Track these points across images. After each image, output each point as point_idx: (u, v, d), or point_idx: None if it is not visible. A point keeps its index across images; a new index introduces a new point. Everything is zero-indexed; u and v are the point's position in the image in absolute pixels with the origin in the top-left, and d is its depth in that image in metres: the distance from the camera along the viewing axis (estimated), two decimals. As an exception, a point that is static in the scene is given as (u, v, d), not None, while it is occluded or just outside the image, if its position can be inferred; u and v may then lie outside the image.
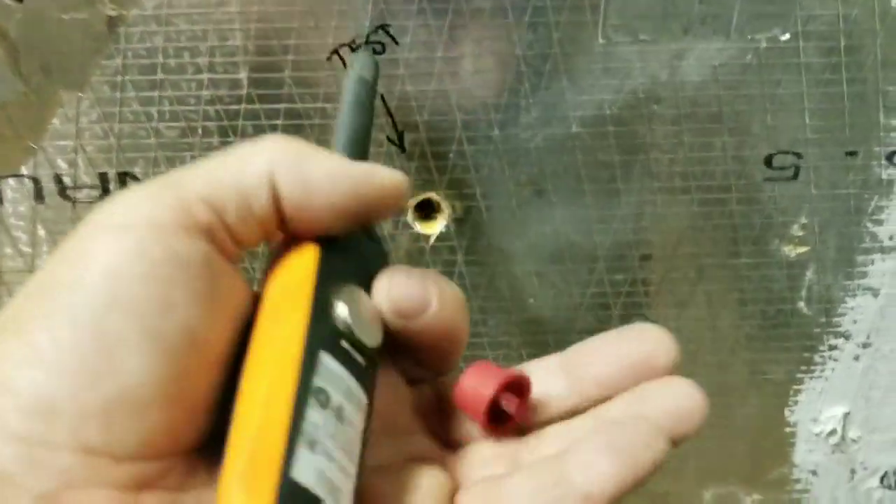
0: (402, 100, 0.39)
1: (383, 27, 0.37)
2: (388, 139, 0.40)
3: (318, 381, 0.21)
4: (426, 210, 0.42)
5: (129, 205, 0.21)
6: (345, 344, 0.23)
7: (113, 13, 0.37)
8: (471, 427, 0.28)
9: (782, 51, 0.39)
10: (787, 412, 0.48)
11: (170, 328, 0.20)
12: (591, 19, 0.37)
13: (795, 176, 0.41)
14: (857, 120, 0.40)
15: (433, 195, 0.41)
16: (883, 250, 0.43)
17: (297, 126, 0.39)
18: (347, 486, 0.21)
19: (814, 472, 0.50)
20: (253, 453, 0.19)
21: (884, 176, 0.42)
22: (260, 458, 0.19)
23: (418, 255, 0.42)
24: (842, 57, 0.39)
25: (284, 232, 0.24)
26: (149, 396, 0.19)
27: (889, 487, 0.50)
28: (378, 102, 0.39)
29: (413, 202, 0.41)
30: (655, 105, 0.39)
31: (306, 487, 0.19)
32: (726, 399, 0.47)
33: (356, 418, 0.22)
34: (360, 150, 0.31)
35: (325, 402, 0.21)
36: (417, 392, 0.29)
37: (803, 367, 0.46)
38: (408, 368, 0.28)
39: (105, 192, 0.40)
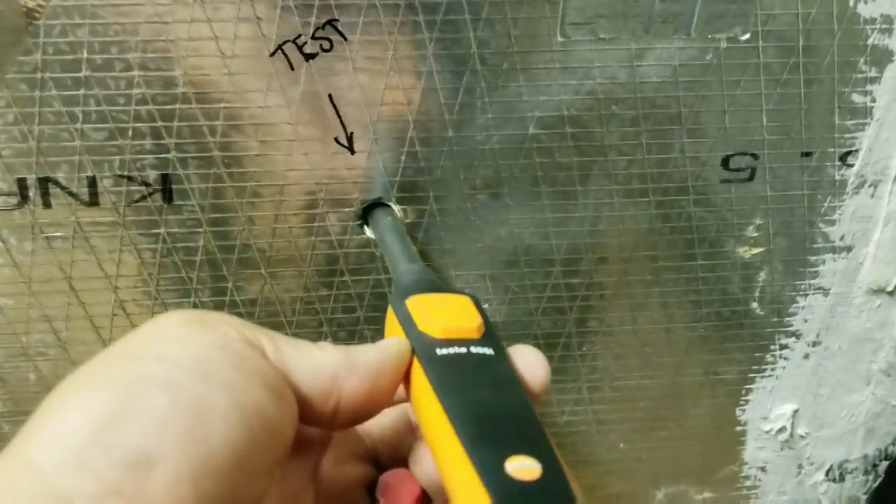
0: (350, 99, 0.36)
1: (331, 22, 0.35)
2: (337, 140, 0.37)
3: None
4: (376, 214, 0.40)
5: (198, 314, 0.24)
6: None
7: (31, 4, 0.33)
8: None
9: (742, 51, 0.38)
10: (738, 411, 0.48)
11: (250, 404, 0.22)
12: (550, 16, 0.36)
13: (751, 177, 0.41)
14: (812, 121, 0.40)
15: (383, 198, 0.39)
16: (834, 250, 0.43)
17: (235, 127, 0.36)
18: None
19: (763, 469, 0.50)
20: None
21: (837, 176, 0.42)
22: None
23: (368, 260, 0.40)
24: (800, 57, 0.38)
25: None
26: (231, 460, 0.21)
27: (833, 480, 0.51)
28: (325, 102, 0.36)
29: (362, 205, 0.39)
30: (614, 106, 0.38)
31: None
32: (680, 400, 0.47)
33: None
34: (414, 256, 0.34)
35: None
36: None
37: (755, 367, 0.46)
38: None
39: (24, 199, 0.37)
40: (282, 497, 0.25)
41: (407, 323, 0.27)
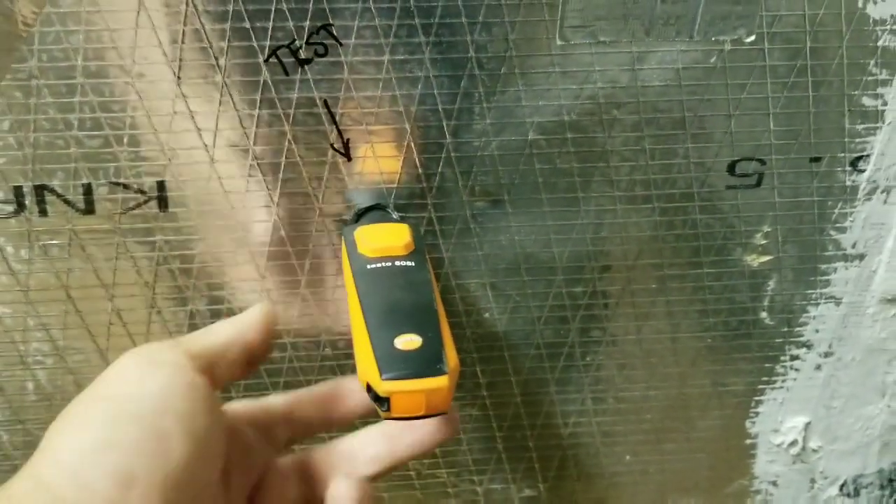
0: (347, 105, 0.36)
1: (325, 27, 0.35)
2: (333, 147, 0.37)
3: None
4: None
5: (162, 350, 0.29)
6: None
7: (25, 11, 0.33)
8: None
9: (747, 53, 0.37)
10: (748, 423, 0.47)
11: (196, 427, 0.27)
12: (549, 19, 0.35)
13: (759, 183, 0.40)
14: (821, 125, 0.39)
15: (381, 204, 0.38)
16: (846, 258, 0.42)
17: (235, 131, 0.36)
18: None
19: (774, 483, 0.49)
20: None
21: (848, 182, 0.40)
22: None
23: (366, 269, 0.40)
24: (807, 59, 0.37)
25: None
26: (187, 474, 0.27)
27: (848, 495, 0.49)
28: (321, 108, 0.36)
29: (359, 212, 0.38)
30: (616, 110, 0.37)
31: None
32: (687, 412, 0.46)
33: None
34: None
35: None
36: None
37: (765, 378, 0.45)
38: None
39: (20, 207, 0.36)
40: None
41: (351, 247, 0.35)
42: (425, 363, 0.29)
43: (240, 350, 0.31)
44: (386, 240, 0.35)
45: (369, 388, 0.29)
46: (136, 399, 0.27)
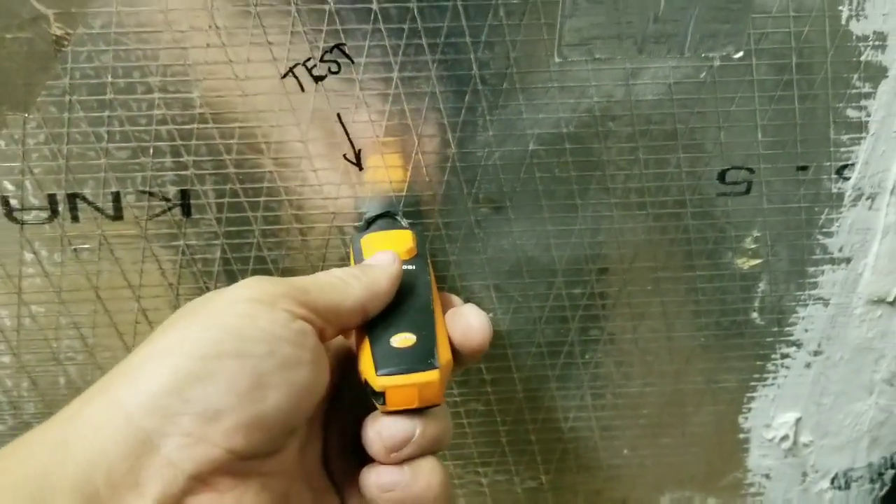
0: (358, 118, 0.38)
1: (338, 46, 0.37)
2: (345, 157, 0.39)
3: None
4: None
5: (267, 288, 0.29)
6: None
7: (59, 32, 0.36)
8: None
9: (735, 68, 0.39)
10: (740, 419, 0.49)
11: (299, 379, 0.28)
12: (547, 38, 0.37)
13: (748, 190, 0.42)
14: (807, 135, 0.41)
15: (390, 211, 0.41)
16: (833, 261, 0.44)
17: (249, 145, 0.38)
18: None
19: (767, 476, 0.51)
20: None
21: (834, 190, 0.42)
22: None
23: (377, 272, 0.42)
24: (793, 74, 0.39)
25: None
26: (277, 420, 0.27)
27: (839, 488, 0.52)
28: (334, 121, 0.38)
29: (370, 219, 0.41)
30: (611, 123, 0.40)
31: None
32: (682, 408, 0.48)
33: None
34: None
35: None
36: None
37: (756, 375, 0.47)
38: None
39: (54, 213, 0.39)
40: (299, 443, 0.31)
41: (357, 254, 0.37)
42: (418, 359, 0.31)
43: (359, 314, 0.31)
44: (389, 245, 0.37)
45: (367, 384, 0.31)
46: (242, 336, 0.27)
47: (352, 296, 0.31)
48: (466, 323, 0.34)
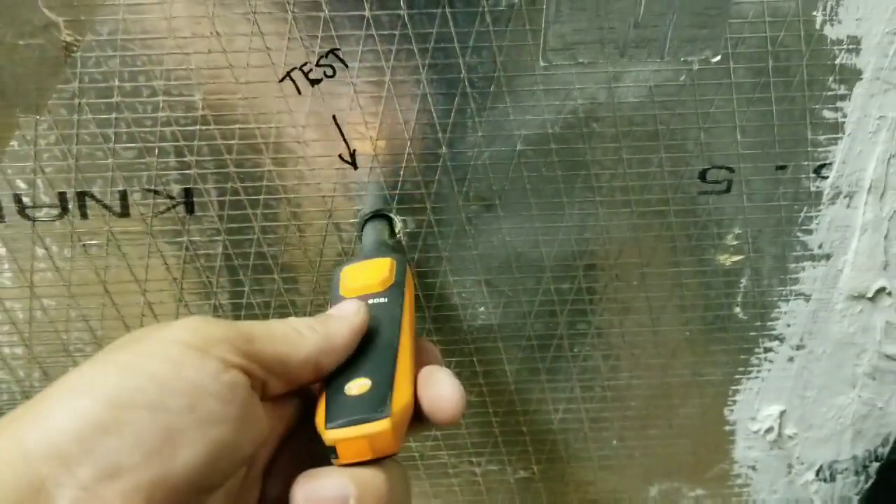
0: (353, 120, 0.40)
1: (333, 51, 0.39)
2: (341, 157, 0.41)
3: None
4: (379, 224, 0.43)
5: (204, 331, 0.26)
6: None
7: (69, 39, 0.38)
8: None
9: (714, 72, 0.41)
10: (726, 411, 0.50)
11: (222, 439, 0.25)
12: (533, 44, 0.39)
13: (728, 189, 0.44)
14: (786, 136, 0.43)
15: (384, 210, 0.43)
16: (813, 258, 0.46)
17: (250, 145, 0.40)
18: None
19: (753, 468, 0.52)
20: None
21: (812, 188, 0.44)
22: None
23: (372, 268, 0.44)
24: (770, 77, 0.41)
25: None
26: (187, 482, 0.24)
27: (824, 480, 0.53)
28: (330, 122, 0.40)
29: (365, 217, 0.43)
30: (595, 124, 0.41)
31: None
32: (669, 400, 0.49)
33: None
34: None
35: None
36: None
37: (741, 369, 0.49)
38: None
39: (64, 210, 0.41)
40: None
41: (336, 288, 0.36)
42: (370, 407, 0.28)
43: (311, 369, 0.29)
44: (363, 278, 0.35)
45: (319, 439, 0.28)
46: (162, 385, 0.24)
47: (303, 349, 0.29)
48: (437, 393, 0.30)
